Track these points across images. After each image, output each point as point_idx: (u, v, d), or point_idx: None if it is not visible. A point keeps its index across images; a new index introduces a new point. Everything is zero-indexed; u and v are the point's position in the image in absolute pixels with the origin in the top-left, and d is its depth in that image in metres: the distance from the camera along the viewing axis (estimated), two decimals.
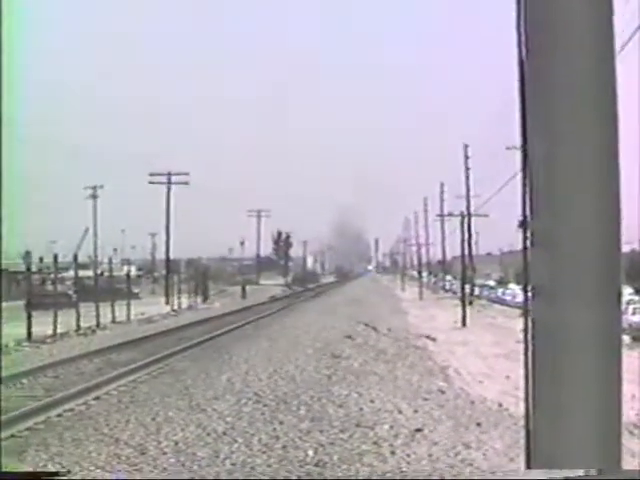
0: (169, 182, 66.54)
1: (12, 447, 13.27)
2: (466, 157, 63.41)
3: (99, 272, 49.86)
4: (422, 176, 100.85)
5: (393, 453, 12.97)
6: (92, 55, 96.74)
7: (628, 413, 12.89)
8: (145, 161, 68.54)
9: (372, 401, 17.40)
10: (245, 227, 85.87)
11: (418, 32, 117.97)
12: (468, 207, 61.52)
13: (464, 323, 39.14)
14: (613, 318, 2.59)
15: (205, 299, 61.64)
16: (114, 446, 13.55)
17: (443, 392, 18.76)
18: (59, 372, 22.66)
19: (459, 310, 40.81)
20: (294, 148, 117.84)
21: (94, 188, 71.36)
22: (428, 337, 32.00)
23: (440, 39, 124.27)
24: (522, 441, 2.66)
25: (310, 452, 13.02)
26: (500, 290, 68.73)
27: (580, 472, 2.59)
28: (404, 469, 12.01)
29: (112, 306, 41.07)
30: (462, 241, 56.18)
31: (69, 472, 11.59)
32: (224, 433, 14.37)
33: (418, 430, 14.52)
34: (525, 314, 2.70)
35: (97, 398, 18.35)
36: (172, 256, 67.89)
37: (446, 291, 76.65)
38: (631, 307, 35.17)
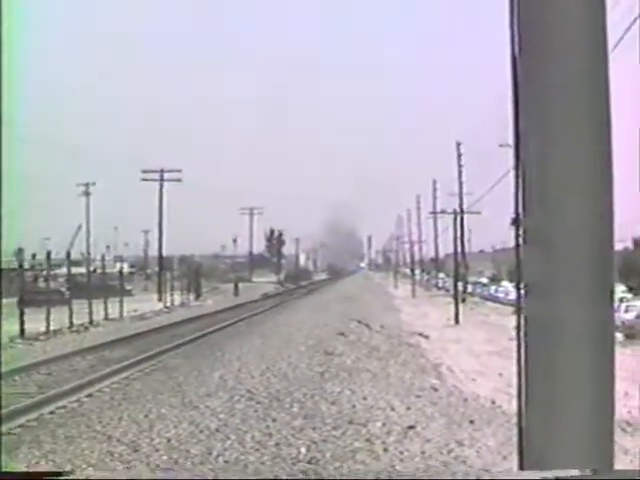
0: (161, 179, 66.51)
1: (5, 445, 13.24)
2: (459, 155, 63.32)
3: (92, 269, 49.75)
4: (418, 175, 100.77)
5: (386, 450, 12.97)
6: (92, 55, 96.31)
7: (621, 410, 12.90)
8: (144, 160, 68.31)
9: (365, 398, 17.41)
10: (238, 225, 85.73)
11: (418, 32, 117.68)
12: (461, 205, 61.50)
13: (457, 320, 39.13)
14: (606, 315, 2.60)
15: (198, 296, 61.56)
16: (107, 443, 13.54)
17: (436, 389, 18.76)
18: (52, 369, 22.63)
19: (452, 307, 40.79)
20: (291, 147, 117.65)
21: (87, 185, 71.25)
22: (421, 334, 31.98)
23: (440, 39, 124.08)
24: (515, 439, 2.66)
25: (303, 449, 13.03)
26: (493, 287, 68.71)
27: (573, 472, 2.59)
28: (397, 466, 12.02)
29: (105, 303, 41.01)
30: (455, 239, 56.29)
31: (72, 472, 11.57)
32: (217, 430, 14.37)
33: (411, 427, 14.53)
34: (518, 311, 2.71)
35: (90, 395, 18.35)
36: (165, 253, 67.83)
37: (439, 289, 76.59)
38: (624, 305, 35.22)
